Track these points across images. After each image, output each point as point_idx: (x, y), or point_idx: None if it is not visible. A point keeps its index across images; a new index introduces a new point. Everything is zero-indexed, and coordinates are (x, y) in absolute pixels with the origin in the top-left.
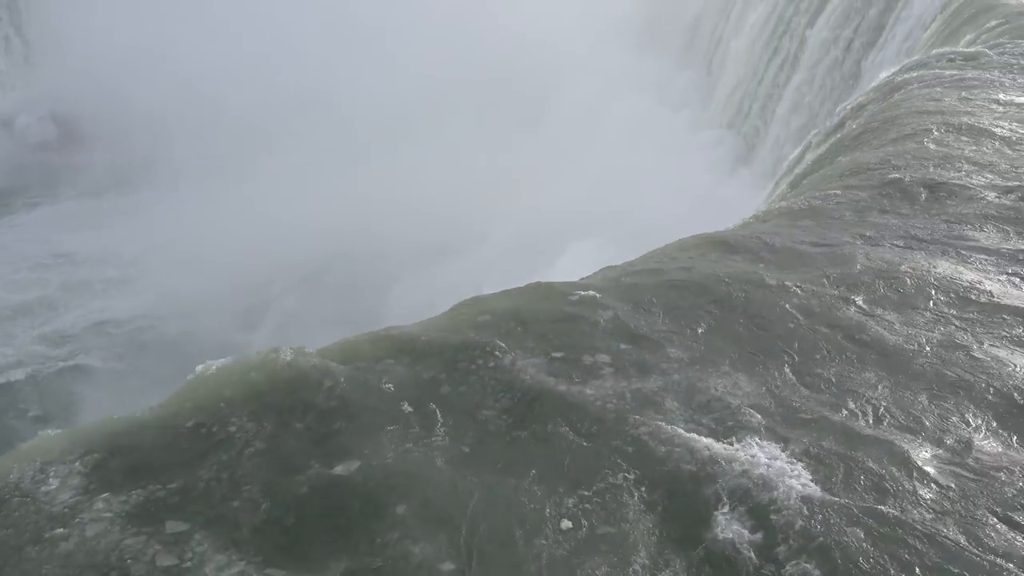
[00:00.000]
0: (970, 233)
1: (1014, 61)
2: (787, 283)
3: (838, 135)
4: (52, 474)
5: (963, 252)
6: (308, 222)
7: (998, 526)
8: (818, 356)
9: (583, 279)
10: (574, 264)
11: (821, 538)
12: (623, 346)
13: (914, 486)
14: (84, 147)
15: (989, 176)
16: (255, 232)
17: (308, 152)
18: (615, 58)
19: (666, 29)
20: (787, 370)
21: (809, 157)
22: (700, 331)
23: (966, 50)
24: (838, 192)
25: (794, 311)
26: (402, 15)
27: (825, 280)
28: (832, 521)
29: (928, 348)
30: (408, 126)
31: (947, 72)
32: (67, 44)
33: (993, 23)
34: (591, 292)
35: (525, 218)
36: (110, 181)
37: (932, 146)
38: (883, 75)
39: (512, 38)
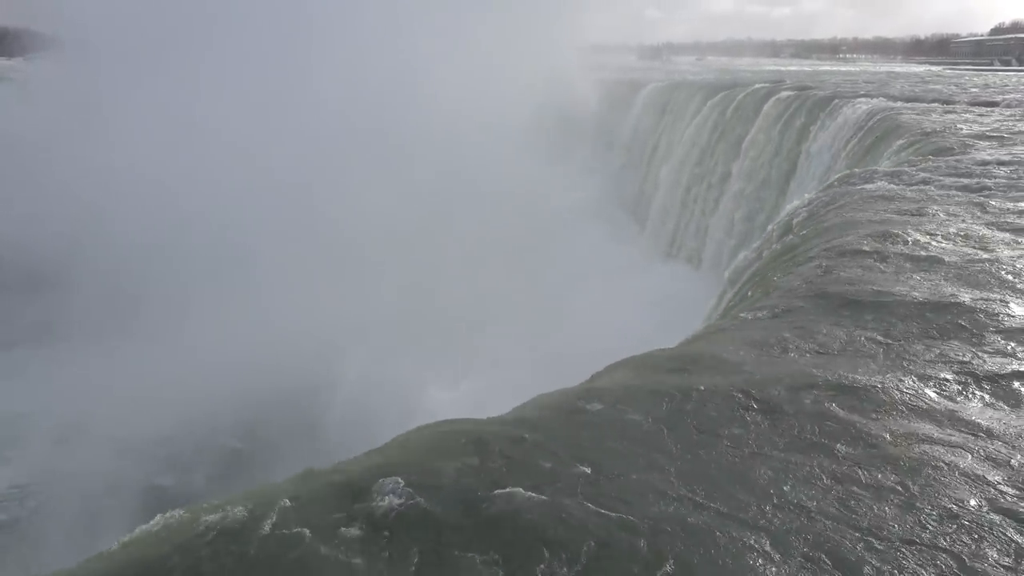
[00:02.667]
0: (903, 345)
1: (926, 176)
2: (720, 401)
3: (768, 251)
4: None
5: (906, 366)
6: (210, 379)
7: None
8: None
9: (516, 408)
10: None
11: None
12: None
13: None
14: (16, 293)
15: (919, 290)
16: (148, 396)
17: (213, 299)
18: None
19: (607, 146)
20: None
21: (749, 270)
22: (639, 452)
23: (882, 168)
24: (772, 310)
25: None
26: (327, 139)
27: (770, 395)
28: None
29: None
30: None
31: (868, 187)
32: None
33: (900, 143)
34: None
35: (467, 352)
36: (35, 330)
37: (858, 261)
38: (807, 194)
39: (452, 162)
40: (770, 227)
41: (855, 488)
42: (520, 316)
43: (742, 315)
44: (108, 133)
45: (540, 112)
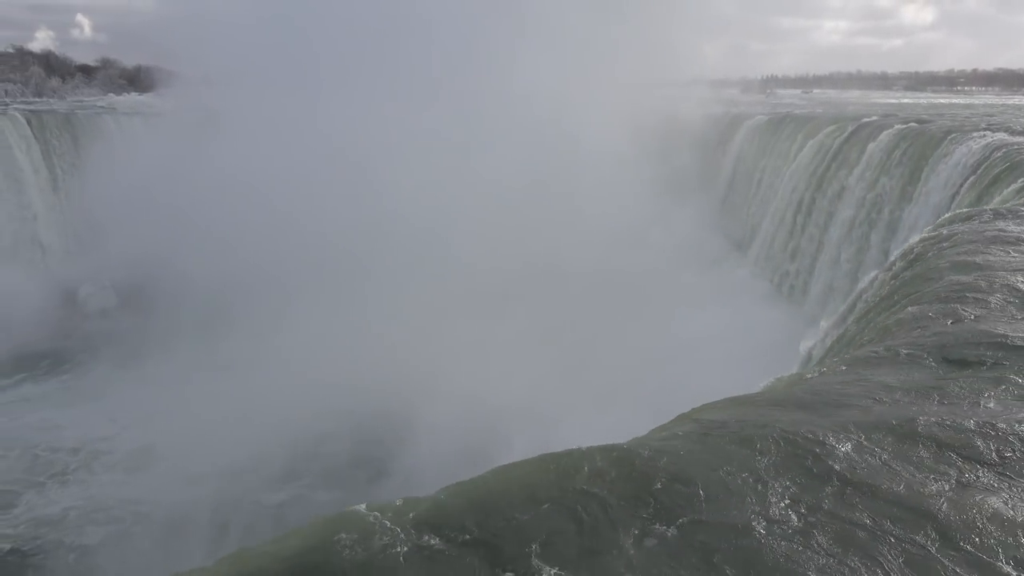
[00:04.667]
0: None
1: None
2: (821, 446)
3: (879, 289)
4: None
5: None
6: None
7: None
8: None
9: (626, 442)
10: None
11: None
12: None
13: None
14: (139, 314)
15: None
16: (223, 427)
17: (331, 308)
18: (650, 217)
19: (701, 183)
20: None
21: (856, 310)
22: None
23: (1004, 207)
24: (880, 351)
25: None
26: (423, 166)
27: (871, 441)
28: None
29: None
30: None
31: (987, 226)
32: (129, 215)
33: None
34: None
35: (567, 384)
36: (140, 349)
37: (977, 304)
38: (922, 232)
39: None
40: (880, 268)
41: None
42: (623, 348)
43: (849, 356)
44: (217, 163)
45: (644, 144)
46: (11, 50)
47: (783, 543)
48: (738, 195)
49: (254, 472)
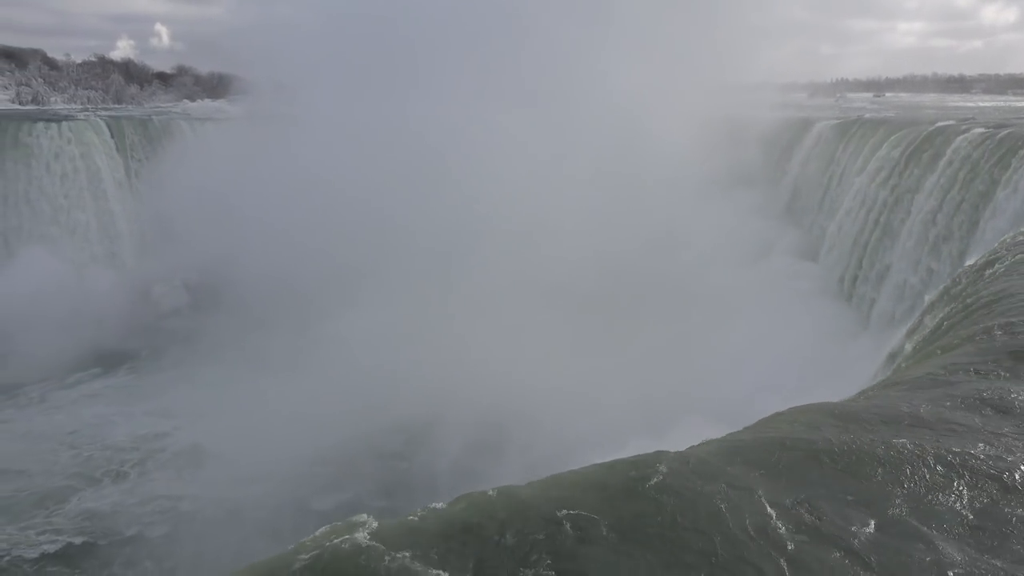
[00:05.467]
0: None
1: None
2: (897, 458)
3: (956, 300)
4: None
5: None
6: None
7: None
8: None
9: (688, 449)
10: (685, 437)
11: None
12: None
13: None
14: (209, 313)
15: None
16: (275, 428)
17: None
18: (716, 221)
19: (765, 189)
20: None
21: (927, 322)
22: (809, 503)
23: None
24: (957, 362)
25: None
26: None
27: (944, 453)
28: None
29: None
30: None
31: None
32: (202, 215)
33: None
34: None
35: (631, 392)
36: (207, 348)
37: None
38: (1000, 238)
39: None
40: (956, 273)
41: None
42: (677, 357)
43: (922, 368)
44: (300, 163)
45: (708, 148)
46: (93, 59)
47: None
48: (805, 201)
49: (308, 475)
